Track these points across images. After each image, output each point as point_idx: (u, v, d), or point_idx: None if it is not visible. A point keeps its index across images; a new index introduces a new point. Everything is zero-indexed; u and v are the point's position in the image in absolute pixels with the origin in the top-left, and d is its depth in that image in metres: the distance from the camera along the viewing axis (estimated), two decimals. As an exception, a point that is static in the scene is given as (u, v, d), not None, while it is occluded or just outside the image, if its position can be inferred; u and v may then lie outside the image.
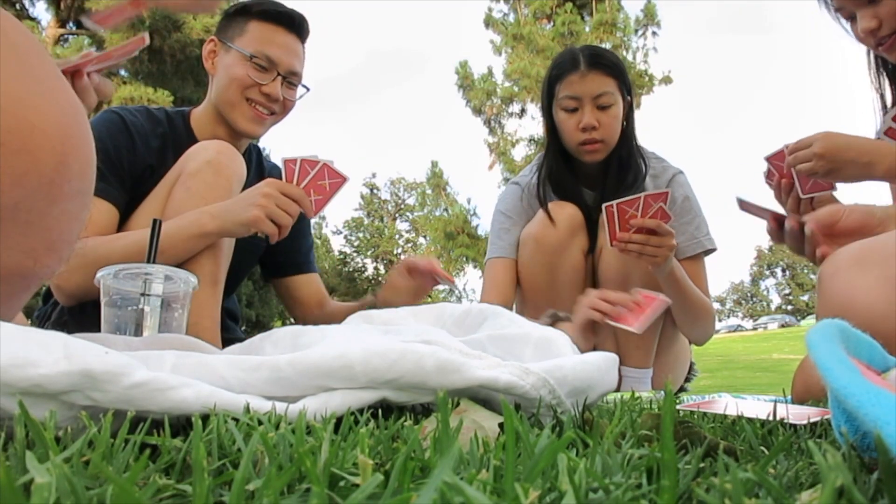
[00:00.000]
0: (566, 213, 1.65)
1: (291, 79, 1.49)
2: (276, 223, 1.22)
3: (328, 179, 1.31)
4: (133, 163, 1.37)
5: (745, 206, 1.40)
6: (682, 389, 1.84)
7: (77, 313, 1.31)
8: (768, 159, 1.39)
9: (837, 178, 1.19)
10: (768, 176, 1.40)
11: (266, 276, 1.71)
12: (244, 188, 1.42)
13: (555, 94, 1.68)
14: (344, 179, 1.32)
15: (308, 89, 1.56)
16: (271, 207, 1.21)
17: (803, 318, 39.91)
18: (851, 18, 1.23)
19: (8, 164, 0.47)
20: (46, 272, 0.54)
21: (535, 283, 1.70)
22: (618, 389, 1.66)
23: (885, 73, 1.31)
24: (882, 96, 1.32)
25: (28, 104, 0.48)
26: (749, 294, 50.40)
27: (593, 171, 1.72)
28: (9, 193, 0.47)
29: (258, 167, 1.65)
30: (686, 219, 1.70)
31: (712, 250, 1.71)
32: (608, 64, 1.63)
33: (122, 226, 1.33)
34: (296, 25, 1.50)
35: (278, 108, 1.50)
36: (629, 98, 1.68)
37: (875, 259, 0.85)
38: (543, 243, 1.66)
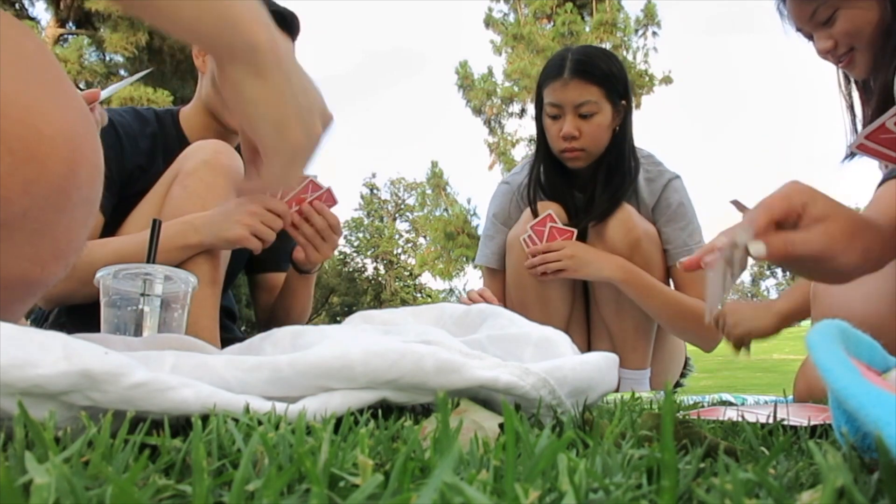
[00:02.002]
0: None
1: None
2: (260, 239, 1.23)
3: (317, 199, 1.33)
4: (121, 166, 1.37)
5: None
6: (678, 385, 1.85)
7: (75, 316, 1.31)
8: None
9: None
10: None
11: (247, 270, 1.70)
12: None
13: (542, 99, 1.67)
14: (334, 202, 1.35)
15: None
16: (256, 225, 1.22)
17: (803, 318, 39.88)
18: (810, 38, 1.25)
19: (17, 172, 0.47)
20: (52, 279, 0.54)
21: (522, 284, 1.69)
22: (616, 391, 1.66)
23: (854, 87, 1.31)
24: (851, 109, 1.32)
25: (38, 112, 0.48)
26: (749, 294, 50.45)
27: (585, 174, 1.71)
28: (17, 202, 0.48)
29: None
30: (679, 224, 1.69)
31: None
32: (593, 72, 1.60)
33: (117, 228, 1.32)
34: (287, 24, 1.47)
35: None
36: (623, 103, 1.65)
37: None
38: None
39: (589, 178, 1.71)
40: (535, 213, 1.67)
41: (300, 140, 0.69)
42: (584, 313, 1.78)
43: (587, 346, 1.76)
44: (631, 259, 1.59)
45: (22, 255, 0.50)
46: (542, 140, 1.72)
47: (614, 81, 1.63)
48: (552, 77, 1.63)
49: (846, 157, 1.30)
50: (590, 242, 1.64)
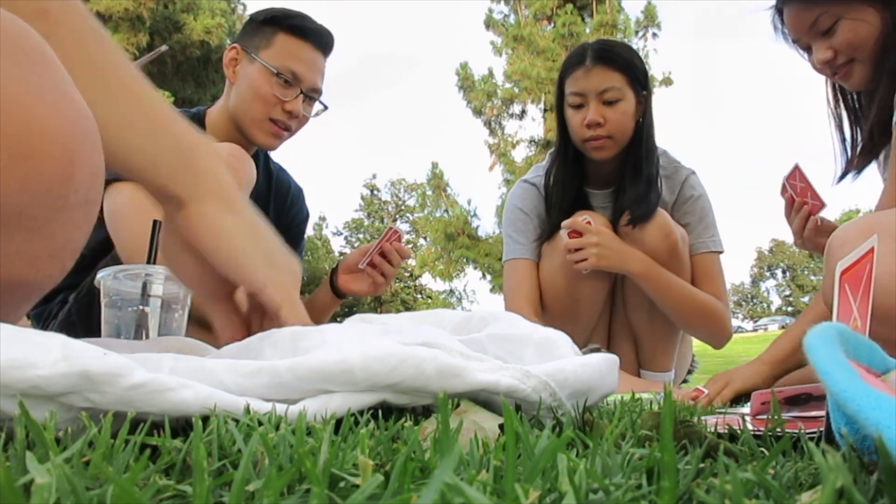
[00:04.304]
0: (597, 225, 1.61)
1: (312, 94, 1.51)
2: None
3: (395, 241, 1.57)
4: None
5: (794, 177, 1.45)
6: (683, 381, 1.86)
7: (85, 315, 1.32)
8: (785, 179, 1.46)
9: None
10: (783, 191, 1.46)
11: None
12: (253, 191, 1.44)
13: (564, 93, 1.65)
14: (400, 239, 1.58)
15: (326, 107, 1.57)
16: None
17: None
18: (808, 49, 1.24)
19: (14, 169, 0.47)
20: (48, 281, 0.53)
21: (556, 294, 1.67)
22: None
23: (843, 106, 1.31)
24: (840, 129, 1.33)
25: (36, 110, 0.48)
26: (749, 295, 50.42)
27: (605, 170, 1.68)
28: (13, 199, 0.47)
29: (266, 169, 1.66)
30: (696, 216, 1.68)
31: (717, 252, 1.69)
32: (615, 58, 1.59)
33: None
34: (323, 43, 1.51)
35: (296, 125, 1.50)
36: (644, 93, 1.64)
37: (887, 232, 0.86)
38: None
39: (612, 174, 1.68)
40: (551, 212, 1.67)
41: (293, 266, 0.65)
42: (608, 315, 1.76)
43: (607, 348, 1.74)
44: (668, 262, 1.57)
45: (17, 254, 0.50)
46: (562, 135, 1.69)
47: (636, 70, 1.62)
48: (574, 66, 1.61)
49: (838, 180, 1.31)
50: (623, 238, 1.60)
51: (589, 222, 1.55)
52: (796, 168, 1.45)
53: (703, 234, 1.67)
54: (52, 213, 0.50)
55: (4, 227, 0.48)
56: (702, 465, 0.33)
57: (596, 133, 1.58)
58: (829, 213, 1.46)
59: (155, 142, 0.59)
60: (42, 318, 1.42)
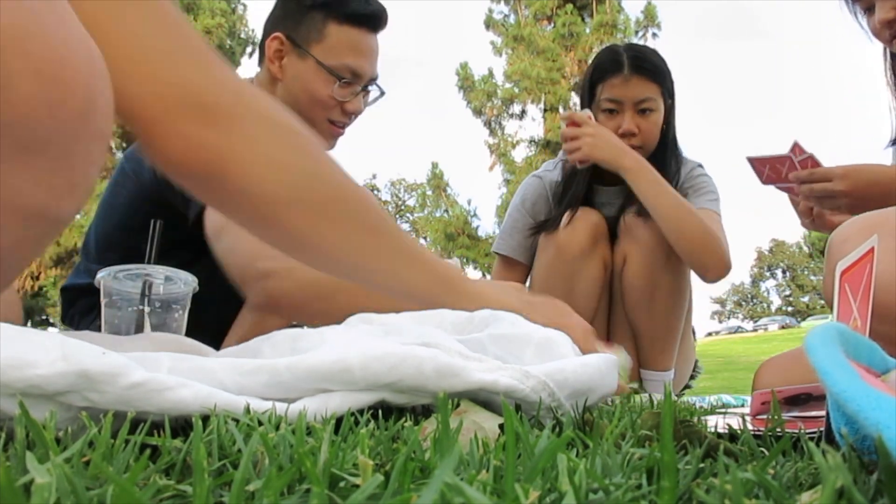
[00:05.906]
0: (591, 221, 1.63)
1: (371, 83, 1.38)
2: None
3: None
4: None
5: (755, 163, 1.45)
6: (686, 387, 1.85)
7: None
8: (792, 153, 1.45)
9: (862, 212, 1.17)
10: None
11: None
12: None
13: (595, 95, 1.66)
14: None
15: (383, 93, 1.43)
16: None
17: (804, 319, 39.91)
18: (868, 10, 1.22)
19: (43, 94, 0.45)
20: (66, 216, 0.52)
21: (550, 287, 1.66)
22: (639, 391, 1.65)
23: None
24: None
25: (58, 37, 0.47)
26: (749, 295, 50.44)
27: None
28: (43, 125, 0.46)
29: None
30: (696, 187, 1.69)
31: (716, 213, 1.69)
32: (652, 69, 1.63)
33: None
34: (381, 24, 1.35)
35: (354, 119, 1.39)
36: (670, 101, 1.67)
37: (887, 230, 0.86)
38: (565, 251, 1.62)
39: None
40: (571, 219, 1.67)
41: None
42: (606, 313, 1.76)
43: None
44: (667, 259, 1.58)
45: (42, 183, 0.48)
46: None
47: (667, 79, 1.66)
48: (610, 73, 1.63)
49: (891, 143, 1.29)
50: (624, 247, 1.63)
51: (590, 116, 1.57)
52: (796, 144, 1.44)
53: (702, 197, 1.67)
54: (74, 142, 0.49)
55: (33, 154, 0.47)
56: (702, 465, 0.33)
57: (630, 142, 1.60)
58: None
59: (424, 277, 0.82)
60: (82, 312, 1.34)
